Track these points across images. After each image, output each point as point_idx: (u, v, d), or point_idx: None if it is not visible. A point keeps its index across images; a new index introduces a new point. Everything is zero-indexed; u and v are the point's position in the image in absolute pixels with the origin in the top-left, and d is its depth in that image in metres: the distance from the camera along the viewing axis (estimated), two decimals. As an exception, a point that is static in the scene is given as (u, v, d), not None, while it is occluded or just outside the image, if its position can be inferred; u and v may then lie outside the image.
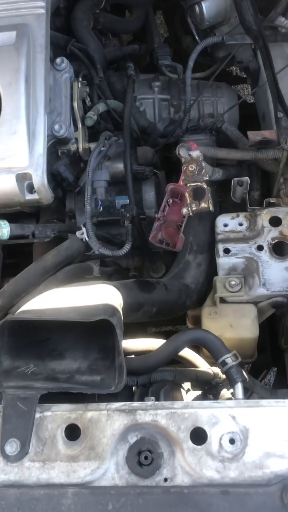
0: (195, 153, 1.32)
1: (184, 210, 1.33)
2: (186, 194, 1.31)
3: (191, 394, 1.31)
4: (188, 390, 1.31)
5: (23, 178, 1.34)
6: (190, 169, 1.27)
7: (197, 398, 1.26)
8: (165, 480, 0.96)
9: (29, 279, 1.38)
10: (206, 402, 1.01)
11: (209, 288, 1.69)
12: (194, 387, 1.29)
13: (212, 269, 1.69)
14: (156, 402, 1.02)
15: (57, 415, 1.02)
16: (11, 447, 0.99)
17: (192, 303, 1.64)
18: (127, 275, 1.87)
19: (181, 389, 1.28)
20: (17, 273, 1.87)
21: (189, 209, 1.31)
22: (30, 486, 0.97)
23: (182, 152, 1.32)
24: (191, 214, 1.34)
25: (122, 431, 0.99)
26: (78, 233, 1.48)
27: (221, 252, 1.59)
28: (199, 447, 0.96)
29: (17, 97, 1.30)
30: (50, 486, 0.97)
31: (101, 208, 1.62)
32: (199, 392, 1.29)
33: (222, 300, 1.57)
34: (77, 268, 1.50)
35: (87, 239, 1.46)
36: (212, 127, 1.83)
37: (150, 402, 1.03)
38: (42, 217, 1.65)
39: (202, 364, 1.32)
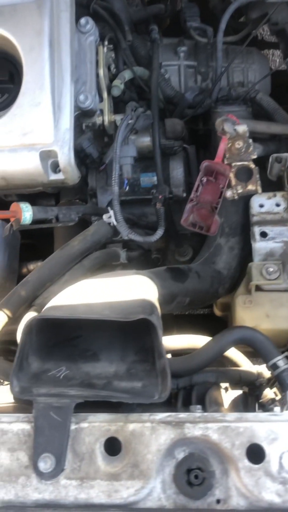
0: (242, 128, 1.18)
1: (229, 193, 1.19)
2: (231, 175, 1.17)
3: (231, 394, 1.20)
4: (226, 388, 1.21)
5: (47, 156, 1.20)
6: (237, 146, 1.13)
7: (238, 399, 1.16)
8: (218, 501, 0.86)
9: (53, 268, 1.26)
10: (262, 415, 0.90)
11: (242, 274, 1.58)
12: (234, 386, 1.19)
13: (245, 254, 1.57)
14: (206, 414, 0.91)
15: (95, 427, 0.91)
16: (45, 463, 0.89)
17: (224, 291, 1.53)
18: (150, 257, 1.75)
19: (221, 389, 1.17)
20: (34, 255, 1.77)
21: (234, 191, 1.17)
22: (67, 506, 0.88)
23: (227, 126, 1.17)
24: (236, 197, 1.20)
25: (169, 446, 0.89)
26: (105, 217, 1.35)
27: (257, 236, 1.47)
28: (256, 466, 0.86)
29: (40, 64, 1.15)
30: (89, 507, 0.87)
31: (127, 187, 1.48)
32: (239, 392, 1.19)
33: (258, 288, 1.45)
34: (104, 254, 1.37)
35: (115, 223, 1.33)
36: (245, 97, 1.67)
37: (198, 413, 0.92)
38: (63, 197, 1.51)
39: (244, 363, 1.22)
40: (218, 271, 1.50)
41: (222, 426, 0.88)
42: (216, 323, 1.95)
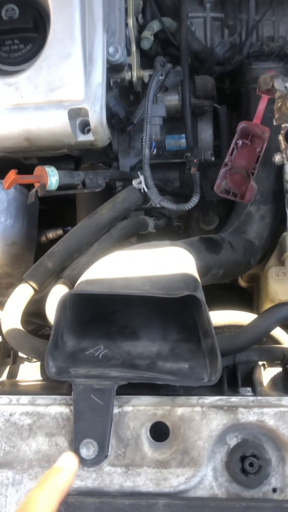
0: (294, 86, 1.07)
1: (277, 158, 1.10)
2: (280, 138, 1.07)
3: (269, 372, 1.14)
4: (264, 365, 1.14)
5: (76, 115, 1.09)
6: (289, 106, 1.02)
7: (277, 378, 1.10)
8: (274, 490, 0.81)
9: (81, 238, 1.17)
10: None
11: (273, 244, 1.50)
12: (275, 363, 1.13)
13: (276, 223, 1.49)
14: (260, 398, 0.84)
15: (140, 411, 0.85)
16: (88, 450, 0.82)
17: (256, 262, 1.45)
18: (171, 225, 1.66)
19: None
20: (52, 222, 1.67)
21: (284, 156, 1.08)
22: (112, 494, 0.82)
23: (277, 83, 1.06)
24: (286, 162, 1.10)
25: (221, 432, 0.82)
26: (134, 182, 1.25)
27: (292, 204, 1.38)
28: None
29: (70, 10, 1.02)
30: (136, 495, 0.81)
31: (155, 150, 1.38)
32: (278, 369, 1.13)
33: (292, 260, 1.38)
34: (133, 223, 1.28)
35: (145, 189, 1.23)
36: (279, 52, 1.55)
37: (251, 397, 0.86)
38: (86, 161, 1.40)
39: (285, 339, 1.15)
40: (250, 241, 1.42)
41: (279, 412, 0.82)
42: (239, 293, 1.88)
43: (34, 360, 1.27)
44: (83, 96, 1.06)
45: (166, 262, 1.02)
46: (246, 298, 1.84)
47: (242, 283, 1.73)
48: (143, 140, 1.24)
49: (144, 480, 0.82)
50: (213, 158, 1.54)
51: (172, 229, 1.67)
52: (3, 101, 1.07)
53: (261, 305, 1.57)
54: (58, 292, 1.09)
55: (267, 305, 1.52)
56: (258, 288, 1.62)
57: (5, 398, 0.90)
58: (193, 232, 1.70)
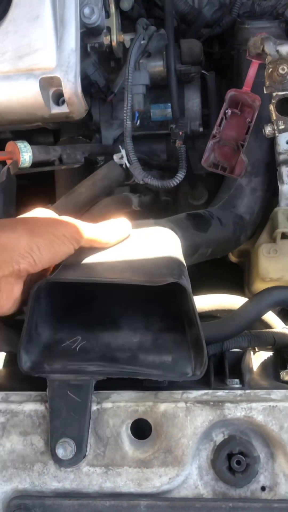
0: (286, 49, 0.97)
1: (268, 129, 1.02)
2: (271, 107, 0.99)
3: (259, 356, 1.09)
4: (253, 349, 1.09)
5: (48, 84, 0.99)
6: (281, 71, 0.93)
7: (268, 362, 1.04)
8: (263, 489, 0.77)
9: (59, 218, 1.09)
10: (314, 393, 0.79)
11: (264, 219, 1.43)
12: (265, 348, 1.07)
13: (268, 196, 1.42)
14: (248, 392, 0.79)
15: (120, 408, 0.79)
16: (65, 450, 0.77)
17: (246, 238, 1.38)
18: (158, 200, 1.59)
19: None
20: (31, 198, 1.59)
21: (275, 128, 0.99)
22: (92, 496, 0.78)
23: (268, 47, 0.97)
24: (277, 134, 1.02)
25: (206, 429, 0.77)
26: (115, 157, 1.17)
27: (285, 178, 1.30)
28: (308, 450, 0.75)
29: None
30: (116, 496, 0.77)
31: (138, 121, 1.29)
32: (269, 354, 1.07)
33: (284, 236, 1.31)
34: (115, 201, 1.20)
35: (127, 165, 1.15)
36: (272, 12, 1.43)
37: (239, 390, 0.80)
38: (64, 134, 1.31)
39: (276, 323, 1.09)
40: (240, 216, 1.35)
41: (268, 406, 0.77)
42: (229, 268, 1.82)
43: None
44: (55, 64, 0.96)
45: (149, 245, 0.95)
46: (237, 273, 1.78)
47: (232, 258, 1.67)
48: (124, 111, 1.15)
49: (125, 481, 0.77)
50: (201, 129, 1.45)
51: (159, 205, 1.60)
52: None
53: (251, 283, 1.51)
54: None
55: (257, 284, 1.46)
56: (249, 265, 1.56)
57: (-23, 395, 0.85)
58: (181, 207, 1.63)
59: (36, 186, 1.65)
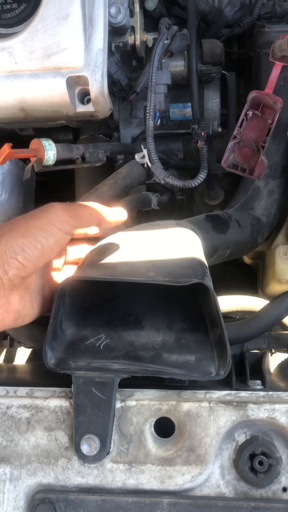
0: (313, 53, 0.98)
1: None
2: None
3: (275, 358, 1.10)
4: (271, 351, 1.10)
5: (75, 83, 1.00)
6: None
7: (285, 364, 1.05)
8: (284, 489, 0.77)
9: (81, 217, 1.10)
10: None
11: (280, 221, 1.44)
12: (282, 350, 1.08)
13: (284, 199, 1.42)
14: (271, 393, 0.80)
15: (144, 406, 0.80)
16: (89, 446, 0.78)
17: (263, 240, 1.39)
18: (174, 199, 1.59)
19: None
20: (49, 194, 1.59)
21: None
22: (115, 492, 0.79)
23: (296, 51, 0.97)
24: (302, 139, 1.02)
25: (229, 429, 0.78)
26: (137, 157, 1.17)
27: (302, 180, 1.31)
28: None
29: None
30: (139, 493, 0.78)
31: (159, 120, 1.29)
32: (284, 355, 1.08)
33: (301, 238, 1.32)
34: (135, 200, 1.21)
35: (149, 164, 1.15)
36: (293, 14, 1.44)
37: (261, 391, 0.81)
38: (84, 132, 1.32)
39: (292, 325, 1.10)
40: (257, 218, 1.35)
41: (291, 408, 0.78)
42: (242, 270, 1.83)
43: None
44: (83, 63, 0.97)
45: (172, 245, 0.96)
46: (250, 275, 1.79)
47: (246, 260, 1.68)
48: (147, 110, 1.15)
49: (148, 478, 0.78)
50: (220, 129, 1.45)
51: (174, 203, 1.60)
52: (-5, 67, 0.98)
53: (266, 284, 1.52)
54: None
55: (273, 285, 1.47)
56: (264, 266, 1.57)
57: (1, 390, 0.86)
58: (196, 206, 1.64)
59: (53, 183, 1.66)
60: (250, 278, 1.76)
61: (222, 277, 1.85)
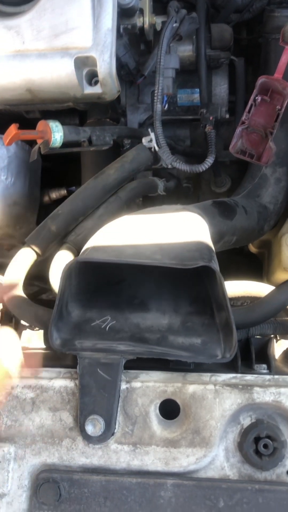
0: None
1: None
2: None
3: (280, 344, 1.10)
4: (275, 337, 1.09)
5: (82, 64, 0.99)
6: None
7: (290, 350, 1.05)
8: (288, 473, 0.77)
9: (87, 200, 1.09)
10: None
11: (287, 209, 1.42)
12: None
13: (292, 186, 1.41)
14: (277, 377, 0.80)
15: (149, 388, 0.80)
16: (94, 426, 0.78)
17: (269, 228, 1.37)
18: (180, 187, 1.58)
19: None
20: (55, 180, 1.59)
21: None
22: (119, 473, 0.79)
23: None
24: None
25: (234, 412, 0.78)
26: (144, 141, 1.16)
27: (311, 168, 1.30)
28: None
29: None
30: (143, 474, 0.78)
31: (166, 105, 1.28)
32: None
33: (308, 226, 1.31)
34: (142, 185, 1.20)
35: (156, 148, 1.15)
36: (303, -1, 1.42)
37: (267, 375, 0.81)
38: (91, 116, 1.31)
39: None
40: (264, 206, 1.34)
41: (296, 392, 0.77)
42: (247, 259, 1.82)
43: (37, 328, 1.22)
44: (91, 43, 0.96)
45: (178, 229, 0.95)
46: (255, 264, 1.78)
47: (252, 248, 1.66)
48: (155, 94, 1.14)
49: (152, 459, 0.78)
50: (227, 115, 1.44)
51: (180, 191, 1.59)
52: (2, 47, 0.97)
53: (272, 273, 1.51)
54: (62, 259, 1.02)
55: (279, 274, 1.46)
56: (269, 255, 1.56)
57: (6, 370, 0.86)
58: (203, 194, 1.62)
59: (59, 169, 1.65)
60: (255, 268, 1.75)
61: (227, 266, 1.84)
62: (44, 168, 1.48)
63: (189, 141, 1.55)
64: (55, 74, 0.99)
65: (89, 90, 1.02)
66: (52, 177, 1.58)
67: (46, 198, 1.42)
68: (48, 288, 1.49)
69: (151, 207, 1.07)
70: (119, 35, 1.15)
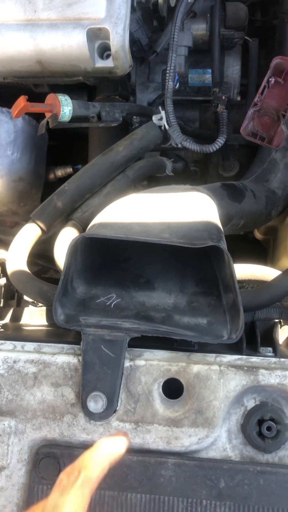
0: None
1: None
2: None
3: (285, 330, 1.09)
4: (280, 323, 1.08)
5: (95, 36, 0.96)
6: None
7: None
8: (291, 456, 0.77)
9: (94, 177, 1.08)
10: None
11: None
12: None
13: (302, 172, 1.39)
14: (283, 360, 0.79)
15: (153, 366, 0.79)
16: (96, 403, 0.77)
17: (277, 214, 1.36)
18: (188, 170, 1.56)
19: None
20: (60, 158, 1.57)
21: None
22: (120, 450, 0.78)
23: None
24: None
25: (238, 393, 0.77)
26: (154, 118, 1.14)
27: None
28: None
29: None
30: (145, 452, 0.77)
31: (177, 84, 1.25)
32: (293, 327, 1.07)
33: (316, 213, 1.30)
34: (150, 164, 1.18)
35: (167, 127, 1.12)
36: None
37: (272, 358, 0.80)
38: (101, 92, 1.28)
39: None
40: (273, 191, 1.33)
41: (302, 375, 0.76)
42: (252, 245, 1.81)
43: (40, 304, 1.21)
44: (104, 14, 0.93)
45: (187, 208, 0.93)
46: (259, 251, 1.76)
47: (257, 235, 1.65)
48: (167, 71, 1.12)
49: (154, 438, 0.77)
50: (238, 98, 1.42)
51: (188, 175, 1.57)
52: (13, 15, 0.94)
53: (277, 259, 1.50)
54: (67, 235, 1.01)
55: (284, 260, 1.45)
56: (275, 241, 1.55)
57: (9, 344, 0.85)
58: (210, 178, 1.60)
59: (65, 147, 1.63)
60: (259, 254, 1.74)
61: (231, 252, 1.82)
62: (50, 147, 1.46)
63: (198, 123, 1.52)
64: (67, 45, 0.96)
65: (100, 63, 1.00)
66: (57, 156, 1.56)
67: (51, 176, 1.40)
68: (51, 267, 1.48)
69: (159, 187, 1.05)
70: (132, 9, 1.13)
